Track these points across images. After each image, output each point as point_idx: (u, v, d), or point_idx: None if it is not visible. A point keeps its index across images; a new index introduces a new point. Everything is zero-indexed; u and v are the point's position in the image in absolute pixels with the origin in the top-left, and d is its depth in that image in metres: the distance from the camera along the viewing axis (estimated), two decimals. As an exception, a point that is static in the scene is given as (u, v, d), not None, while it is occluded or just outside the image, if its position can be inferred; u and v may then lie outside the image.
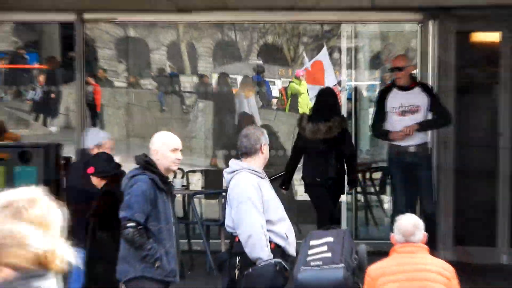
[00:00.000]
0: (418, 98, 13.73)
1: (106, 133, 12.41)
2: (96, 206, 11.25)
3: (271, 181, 11.10)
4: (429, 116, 13.85)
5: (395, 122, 13.56)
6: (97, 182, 11.33)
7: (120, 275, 9.83)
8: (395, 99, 13.66)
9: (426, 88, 14.02)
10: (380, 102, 14.05)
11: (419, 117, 13.75)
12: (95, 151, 11.67)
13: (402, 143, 13.12)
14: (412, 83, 13.94)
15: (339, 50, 18.23)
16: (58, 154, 15.82)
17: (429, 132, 14.01)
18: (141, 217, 9.43)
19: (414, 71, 15.44)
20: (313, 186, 14.88)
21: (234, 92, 19.99)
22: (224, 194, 10.17)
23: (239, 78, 19.37)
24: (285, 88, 21.84)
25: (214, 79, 19.33)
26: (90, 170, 11.49)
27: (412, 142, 13.14)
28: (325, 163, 14.38)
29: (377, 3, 14.96)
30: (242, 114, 18.51)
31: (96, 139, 11.75)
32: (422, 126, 13.54)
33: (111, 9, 15.97)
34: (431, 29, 15.43)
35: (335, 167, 14.47)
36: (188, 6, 15.43)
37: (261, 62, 19.37)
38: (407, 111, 13.63)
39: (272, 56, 19.64)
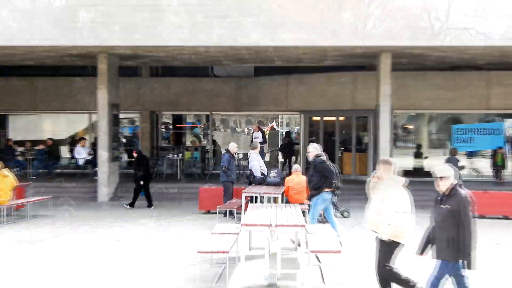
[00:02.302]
0: (258, 134, 12.99)
1: (319, 145, 9.31)
2: (135, 162, 9.69)
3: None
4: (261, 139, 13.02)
5: (254, 141, 12.35)
6: (135, 155, 9.68)
7: (222, 179, 9.08)
8: (255, 134, 12.91)
9: (261, 131, 13.29)
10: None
11: (259, 139, 12.67)
12: (312, 152, 6.80)
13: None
14: (259, 130, 13.18)
15: (279, 122, 17.93)
16: (203, 150, 14.76)
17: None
18: (227, 165, 9.15)
19: (265, 128, 14.92)
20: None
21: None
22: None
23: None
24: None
25: (245, 130, 18.88)
26: (134, 152, 9.87)
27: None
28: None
29: (288, 109, 14.68)
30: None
31: (313, 148, 7.41)
32: (260, 143, 12.25)
33: (216, 110, 15.51)
34: (302, 117, 15.01)
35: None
36: (239, 109, 14.42)
37: (256, 125, 18.94)
38: (255, 138, 12.86)
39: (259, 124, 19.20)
